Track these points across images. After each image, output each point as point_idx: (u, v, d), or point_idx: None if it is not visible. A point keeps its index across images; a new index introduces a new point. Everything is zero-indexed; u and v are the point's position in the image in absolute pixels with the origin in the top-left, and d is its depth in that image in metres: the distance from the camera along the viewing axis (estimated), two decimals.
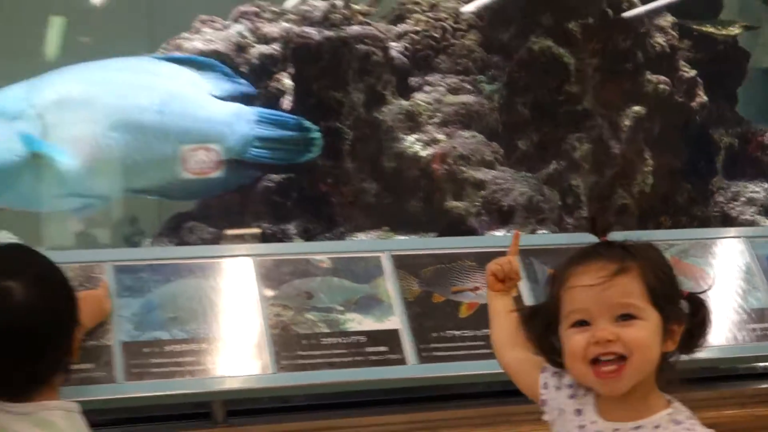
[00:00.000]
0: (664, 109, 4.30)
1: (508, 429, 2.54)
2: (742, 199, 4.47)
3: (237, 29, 3.91)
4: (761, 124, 4.69)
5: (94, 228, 3.95)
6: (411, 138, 3.86)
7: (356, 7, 3.96)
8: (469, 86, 4.05)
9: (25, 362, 1.84)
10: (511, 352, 1.99)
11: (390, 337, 2.59)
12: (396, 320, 2.62)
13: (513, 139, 4.04)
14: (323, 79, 3.79)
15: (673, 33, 4.38)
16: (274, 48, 3.87)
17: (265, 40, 3.90)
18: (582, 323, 1.71)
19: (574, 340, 1.72)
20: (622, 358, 1.69)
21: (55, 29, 4.22)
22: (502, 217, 3.79)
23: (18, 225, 3.66)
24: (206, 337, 2.48)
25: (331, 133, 3.76)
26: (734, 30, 4.58)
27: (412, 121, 3.90)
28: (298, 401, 2.63)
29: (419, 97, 3.97)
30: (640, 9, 4.21)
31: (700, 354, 1.82)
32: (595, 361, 1.70)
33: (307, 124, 3.72)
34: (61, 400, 1.90)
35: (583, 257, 1.76)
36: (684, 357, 1.78)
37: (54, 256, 1.98)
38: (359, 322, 2.60)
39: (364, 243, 3.43)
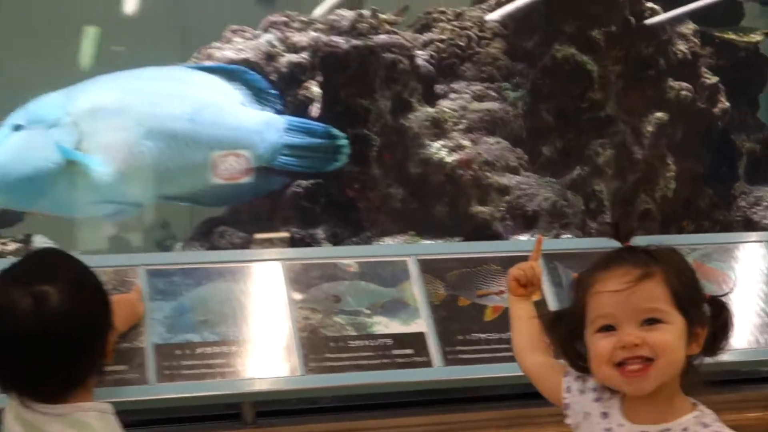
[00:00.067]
0: (687, 115, 4.29)
1: (531, 431, 2.55)
2: (764, 203, 4.45)
3: (267, 38, 3.90)
4: None
5: (127, 233, 3.98)
6: (437, 144, 3.86)
7: (383, 16, 3.96)
8: (493, 93, 4.04)
9: (61, 366, 1.84)
10: (531, 357, 2.00)
11: (416, 340, 2.60)
12: (422, 323, 2.64)
13: (537, 145, 4.04)
14: (351, 87, 3.79)
15: (695, 40, 4.37)
16: (302, 57, 3.86)
17: (294, 49, 3.88)
18: (608, 328, 1.72)
19: (600, 345, 1.73)
20: (648, 360, 1.70)
21: (90, 39, 4.24)
22: (527, 221, 3.80)
23: (53, 230, 3.66)
24: (236, 339, 2.50)
25: (358, 139, 3.76)
26: (755, 37, 4.58)
27: (438, 128, 3.90)
28: (326, 402, 2.65)
29: (445, 104, 3.97)
30: (663, 16, 4.21)
31: (723, 357, 1.82)
32: (621, 364, 1.71)
33: (335, 132, 3.70)
34: (96, 402, 1.91)
35: (607, 263, 1.77)
36: (707, 360, 1.79)
37: (88, 261, 1.98)
38: (386, 325, 2.62)
39: (390, 247, 3.41)
